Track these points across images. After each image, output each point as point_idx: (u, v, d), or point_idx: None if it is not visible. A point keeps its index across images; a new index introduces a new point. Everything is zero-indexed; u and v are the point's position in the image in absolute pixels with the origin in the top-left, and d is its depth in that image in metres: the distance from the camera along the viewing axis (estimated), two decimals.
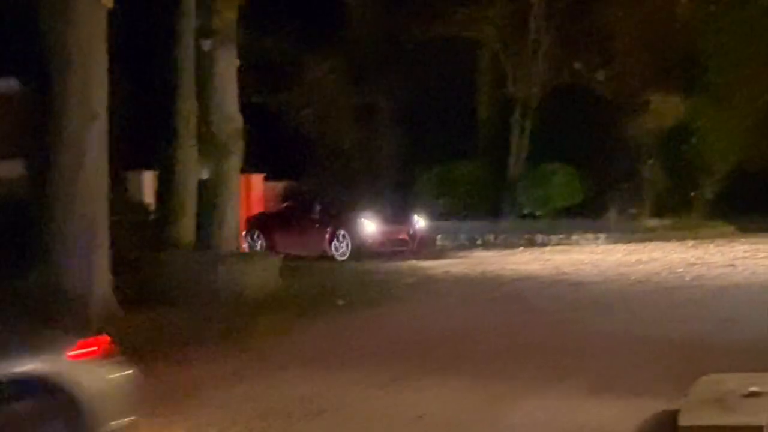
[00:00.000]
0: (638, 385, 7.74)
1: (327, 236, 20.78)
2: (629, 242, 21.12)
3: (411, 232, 21.61)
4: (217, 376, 8.95)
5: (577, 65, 25.09)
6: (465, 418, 7.19)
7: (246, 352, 10.12)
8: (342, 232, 20.74)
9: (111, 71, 12.35)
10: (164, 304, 13.11)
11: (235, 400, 7.90)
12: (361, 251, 20.54)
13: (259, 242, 21.66)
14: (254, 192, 23.82)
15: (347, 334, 11.21)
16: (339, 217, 21.14)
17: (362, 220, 20.94)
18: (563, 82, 25.42)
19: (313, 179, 27.53)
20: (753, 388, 6.20)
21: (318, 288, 15.29)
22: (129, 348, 10.31)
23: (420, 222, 21.99)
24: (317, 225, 21.10)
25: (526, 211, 25.10)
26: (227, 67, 15.67)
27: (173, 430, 7.17)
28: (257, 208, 23.64)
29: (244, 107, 16.59)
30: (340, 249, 20.66)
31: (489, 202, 25.07)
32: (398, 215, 22.15)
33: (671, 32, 24.42)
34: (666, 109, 23.13)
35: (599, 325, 11.07)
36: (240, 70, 16.27)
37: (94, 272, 11.85)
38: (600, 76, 24.69)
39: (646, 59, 24.39)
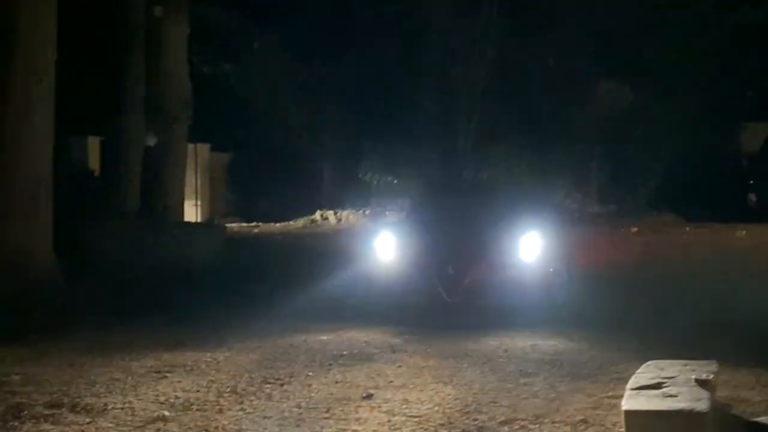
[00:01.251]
0: None
1: None
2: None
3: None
4: (161, 345, 8.91)
5: (526, 51, 25.17)
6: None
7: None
8: None
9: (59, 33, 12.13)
10: (105, 274, 13.00)
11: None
12: None
13: None
14: (200, 162, 23.61)
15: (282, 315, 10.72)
16: None
17: None
18: (512, 68, 25.50)
19: (256, 153, 27.41)
20: (694, 376, 6.32)
21: (265, 264, 15.15)
22: (73, 315, 10.30)
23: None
24: None
25: None
26: (178, 34, 15.47)
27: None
28: (202, 179, 23.42)
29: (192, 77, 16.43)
30: None
31: None
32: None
33: (621, 23, 24.69)
34: (613, 98, 23.39)
35: None
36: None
37: (37, 235, 11.61)
38: (549, 62, 24.85)
39: (595, 48, 24.60)
